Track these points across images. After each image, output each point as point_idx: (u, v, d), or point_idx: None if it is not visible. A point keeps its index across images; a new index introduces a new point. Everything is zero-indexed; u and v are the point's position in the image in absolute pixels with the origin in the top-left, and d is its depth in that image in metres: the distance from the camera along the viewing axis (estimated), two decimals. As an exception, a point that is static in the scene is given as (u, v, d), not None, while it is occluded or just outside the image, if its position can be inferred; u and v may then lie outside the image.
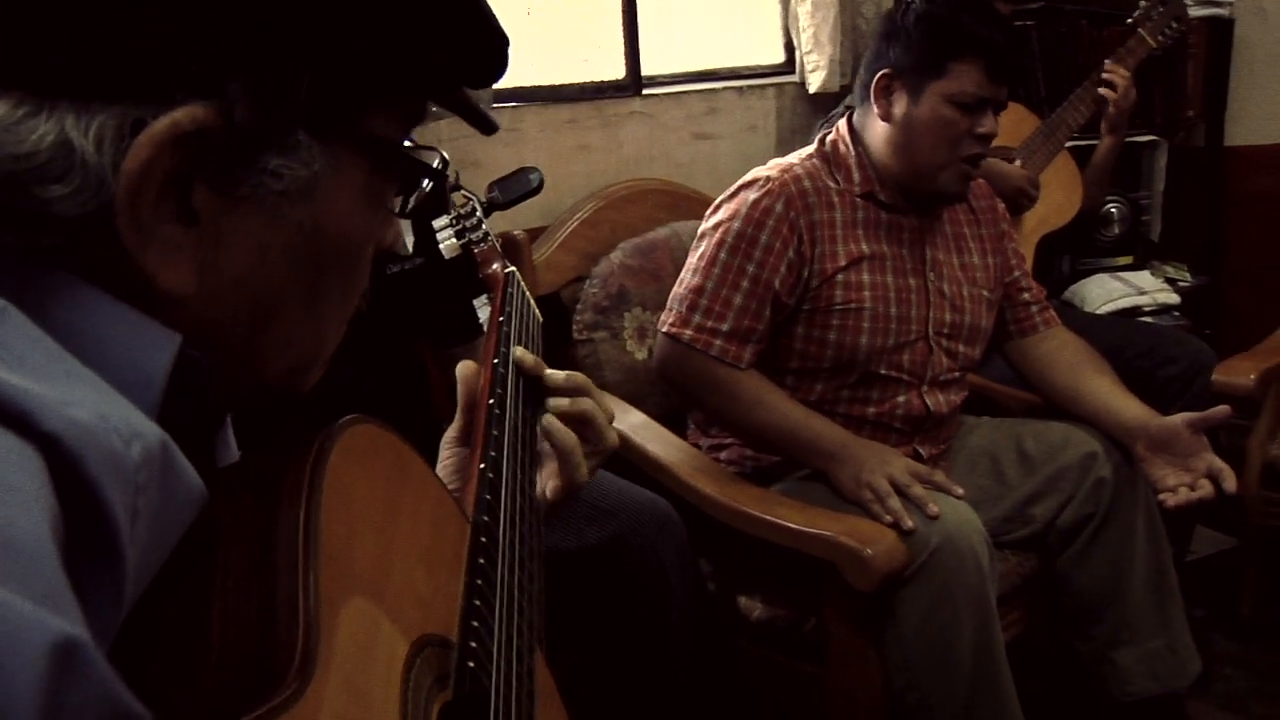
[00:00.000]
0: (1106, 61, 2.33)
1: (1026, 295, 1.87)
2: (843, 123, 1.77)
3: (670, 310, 1.68)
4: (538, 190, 1.26)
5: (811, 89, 2.44)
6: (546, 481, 0.86)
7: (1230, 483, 1.60)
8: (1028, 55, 1.64)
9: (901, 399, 1.71)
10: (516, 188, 1.24)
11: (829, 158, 1.73)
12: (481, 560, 0.62)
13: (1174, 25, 2.36)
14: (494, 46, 0.58)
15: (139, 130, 0.46)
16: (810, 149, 1.76)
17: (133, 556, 0.41)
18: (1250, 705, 2.04)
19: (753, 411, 1.64)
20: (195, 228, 0.49)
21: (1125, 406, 1.72)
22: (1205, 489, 1.59)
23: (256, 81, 0.48)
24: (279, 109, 0.49)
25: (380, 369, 1.50)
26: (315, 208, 0.52)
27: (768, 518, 1.56)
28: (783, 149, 2.44)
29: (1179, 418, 1.65)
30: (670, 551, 1.53)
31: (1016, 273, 1.87)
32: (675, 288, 1.70)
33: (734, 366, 1.63)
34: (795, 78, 2.49)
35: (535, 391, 0.89)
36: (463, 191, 1.18)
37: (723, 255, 1.64)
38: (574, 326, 1.94)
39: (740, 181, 1.71)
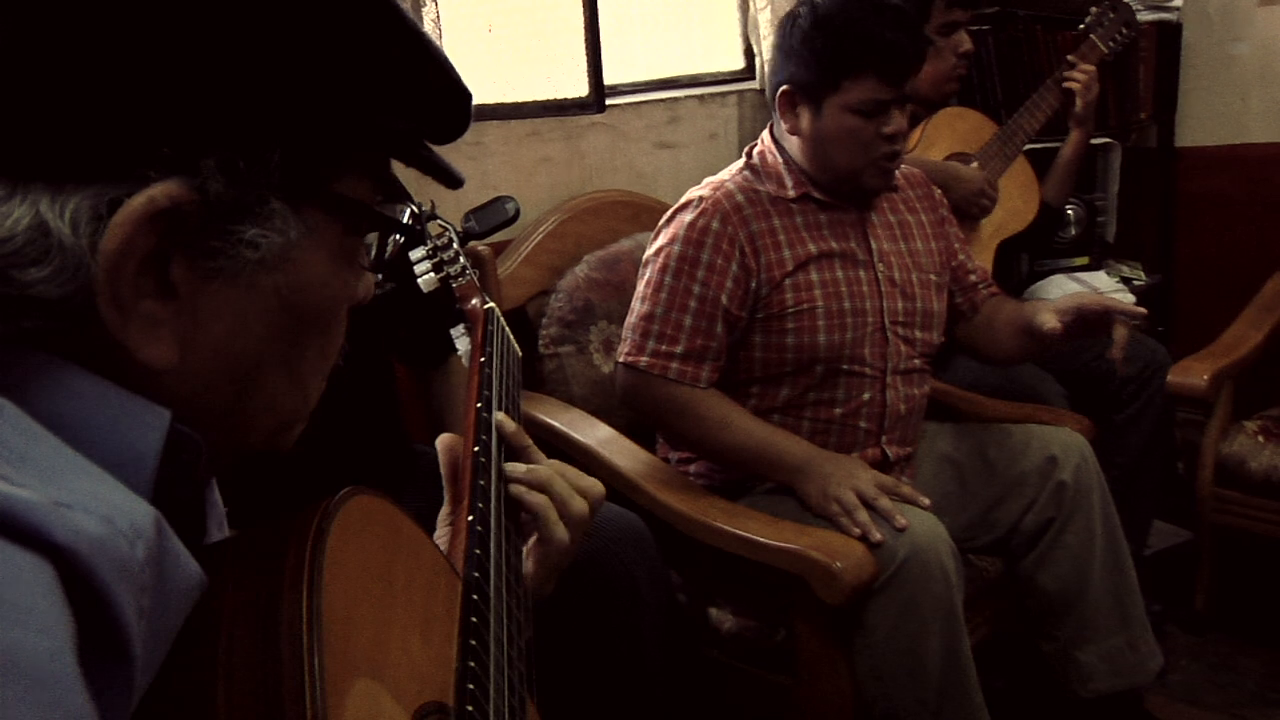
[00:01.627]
0: (1069, 57, 2.37)
1: (973, 276, 1.91)
2: (766, 134, 1.79)
3: (625, 340, 1.70)
4: (514, 219, 1.27)
5: (772, 95, 2.45)
6: (529, 551, 0.85)
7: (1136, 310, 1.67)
8: (922, 47, 1.66)
9: (866, 395, 1.73)
10: (493, 217, 1.24)
11: (758, 169, 1.76)
12: (474, 619, 0.62)
13: (1124, 31, 2.40)
14: (457, 105, 0.59)
15: (115, 210, 0.46)
16: (739, 164, 1.79)
17: (140, 654, 0.41)
18: (1204, 696, 2.09)
19: (718, 432, 1.65)
20: (174, 301, 0.49)
21: (1025, 313, 1.78)
22: (1119, 330, 1.66)
23: (230, 156, 0.48)
24: (253, 181, 0.49)
25: (351, 387, 1.49)
26: (291, 273, 0.53)
27: (737, 532, 1.57)
28: (744, 156, 2.45)
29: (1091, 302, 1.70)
30: (642, 567, 1.53)
31: (961, 255, 1.90)
32: (628, 318, 1.72)
33: (693, 387, 1.65)
34: (756, 84, 2.50)
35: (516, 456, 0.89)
36: (439, 221, 1.17)
37: (668, 279, 1.66)
38: (540, 341, 1.94)
39: (676, 205, 1.74)
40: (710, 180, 1.76)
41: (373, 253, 0.63)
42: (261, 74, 0.49)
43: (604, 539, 1.52)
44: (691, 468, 1.79)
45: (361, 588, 0.51)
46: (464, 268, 1.10)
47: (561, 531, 0.84)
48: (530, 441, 0.89)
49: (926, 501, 1.58)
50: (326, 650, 0.46)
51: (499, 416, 0.87)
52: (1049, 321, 1.67)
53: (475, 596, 0.64)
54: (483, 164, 2.02)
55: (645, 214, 2.16)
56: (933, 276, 1.81)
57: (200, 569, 0.47)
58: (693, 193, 1.73)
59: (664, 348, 1.65)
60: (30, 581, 0.36)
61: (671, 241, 1.68)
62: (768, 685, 1.65)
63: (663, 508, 1.65)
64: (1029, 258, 2.60)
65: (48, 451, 0.43)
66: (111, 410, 0.48)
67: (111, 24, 0.45)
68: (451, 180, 0.66)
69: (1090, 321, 1.69)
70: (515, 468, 0.85)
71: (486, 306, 1.04)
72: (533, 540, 0.85)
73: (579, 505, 0.86)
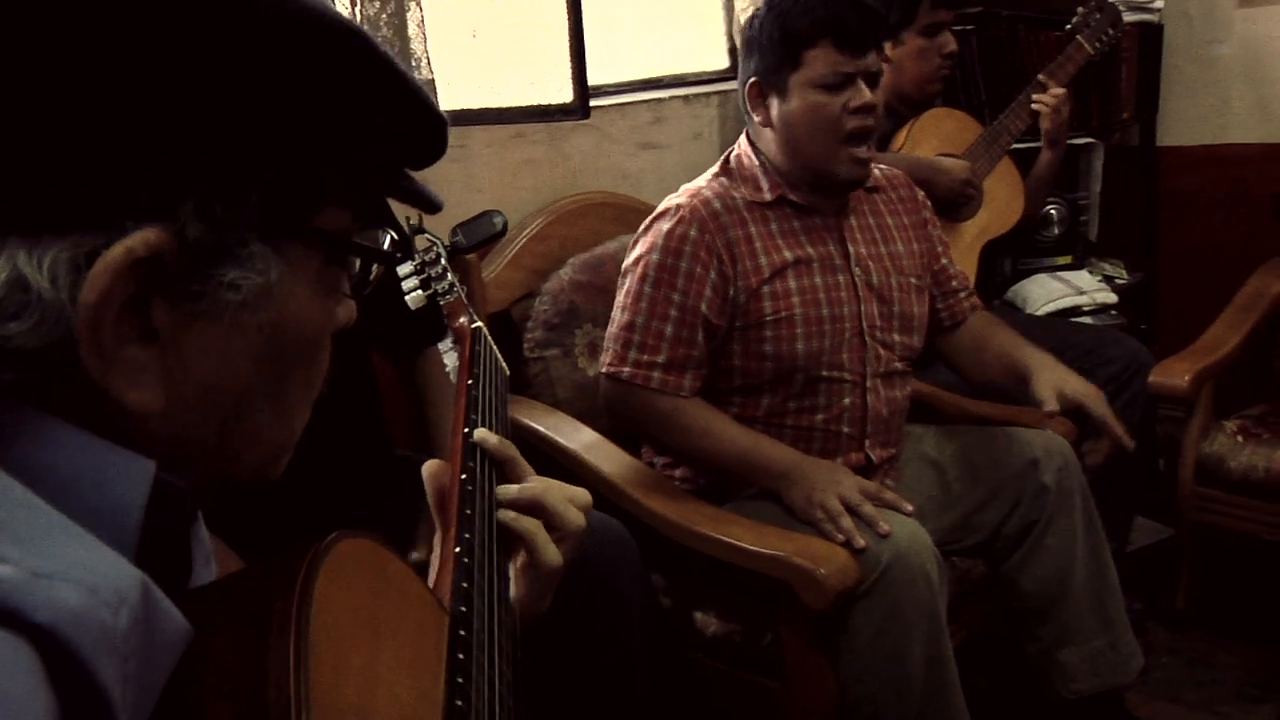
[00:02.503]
0: (1039, 76, 2.37)
1: (955, 283, 1.91)
2: (742, 138, 1.81)
3: (606, 351, 1.70)
4: (502, 234, 1.26)
5: (757, 95, 2.45)
6: (519, 574, 0.82)
7: (1126, 442, 1.69)
8: (880, 17, 1.71)
9: (847, 401, 1.73)
10: (480, 231, 1.24)
11: (734, 173, 1.77)
12: (461, 655, 0.63)
13: (1110, 32, 2.41)
14: (433, 132, 0.59)
15: (93, 260, 0.46)
16: (715, 169, 1.80)
17: (125, 718, 0.41)
18: (1184, 693, 2.11)
19: (702, 441, 1.66)
20: (157, 345, 0.49)
21: (1018, 359, 1.80)
22: (1103, 441, 1.70)
23: (207, 201, 0.48)
24: (231, 223, 0.49)
25: (333, 391, 1.49)
26: (273, 309, 0.53)
27: (722, 538, 1.57)
28: (729, 156, 2.45)
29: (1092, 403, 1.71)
30: (626, 574, 1.53)
31: (944, 260, 1.91)
32: (609, 328, 1.72)
33: (675, 396, 1.65)
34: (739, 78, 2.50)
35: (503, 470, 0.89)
36: (426, 235, 1.17)
37: (647, 289, 1.67)
38: (525, 344, 1.94)
39: (654, 213, 1.74)
40: (687, 187, 1.77)
41: (355, 278, 0.63)
42: (235, 117, 0.48)
43: (589, 547, 1.50)
44: (676, 472, 1.80)
45: (349, 635, 0.51)
46: (451, 284, 1.10)
47: (553, 552, 0.81)
48: (516, 452, 0.87)
49: (910, 507, 1.59)
50: (314, 704, 0.46)
51: (480, 433, 0.85)
52: (1049, 402, 1.68)
53: (462, 632, 0.64)
54: (467, 166, 2.01)
55: (630, 215, 2.15)
56: (913, 279, 1.82)
57: (186, 622, 0.47)
58: (670, 201, 1.74)
59: (645, 357, 1.65)
60: (9, 664, 0.36)
61: (650, 250, 1.68)
62: (753, 689, 1.65)
63: (647, 513, 1.65)
64: (1012, 258, 2.61)
65: (28, 513, 0.43)
66: (95, 463, 0.48)
67: (82, 75, 0.45)
68: (430, 206, 0.66)
69: (1086, 418, 1.71)
70: (507, 490, 0.83)
71: (474, 326, 1.03)
72: (521, 562, 0.83)
73: (575, 517, 0.85)
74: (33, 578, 0.39)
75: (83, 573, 0.41)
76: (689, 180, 1.79)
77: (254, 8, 0.48)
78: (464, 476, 0.81)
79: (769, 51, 1.70)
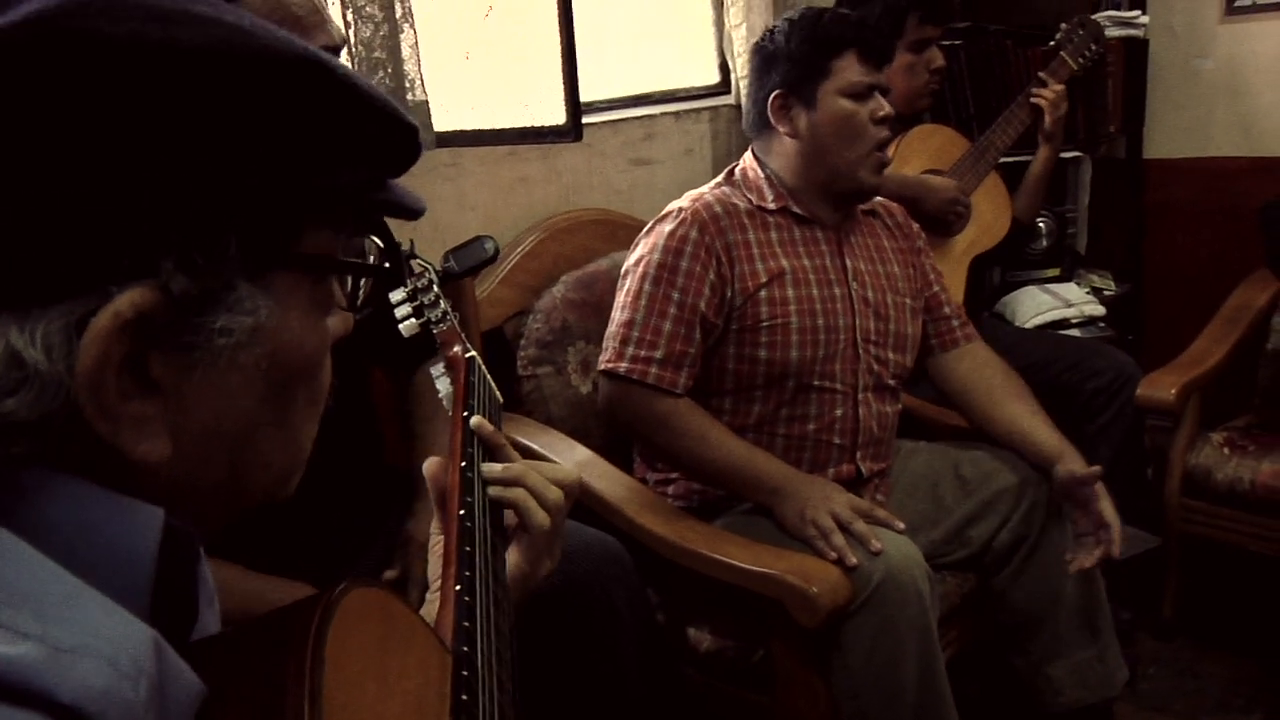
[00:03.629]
0: (1040, 74, 2.40)
1: (947, 309, 1.93)
2: (748, 154, 1.85)
3: (605, 349, 1.73)
4: (494, 259, 1.27)
5: (748, 111, 2.46)
6: (515, 543, 0.90)
7: (1114, 548, 1.69)
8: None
9: (838, 412, 1.75)
10: (472, 256, 1.24)
11: (738, 183, 1.81)
12: (464, 696, 0.64)
13: (1093, 48, 2.43)
14: (404, 141, 0.59)
15: (83, 327, 0.46)
16: (719, 179, 1.85)
17: None
18: (1170, 703, 2.13)
19: (697, 447, 1.67)
20: (159, 396, 0.50)
21: (1041, 440, 1.78)
22: (1096, 551, 1.69)
23: (187, 253, 0.48)
24: (214, 271, 0.50)
25: (331, 405, 1.49)
26: (268, 343, 0.53)
27: (714, 556, 1.58)
28: (719, 171, 2.46)
29: (1065, 473, 1.72)
30: (621, 592, 1.53)
31: (936, 287, 1.93)
32: (608, 327, 1.74)
33: (670, 393, 1.67)
34: (731, 99, 2.52)
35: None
36: (419, 260, 1.17)
37: (647, 287, 1.70)
38: (518, 362, 1.95)
39: (657, 217, 1.78)
40: (690, 193, 1.81)
41: (348, 288, 0.64)
42: (205, 167, 0.48)
43: (584, 564, 1.52)
44: (669, 489, 1.81)
45: (359, 688, 0.52)
46: (444, 313, 1.10)
47: (542, 516, 0.88)
48: (505, 440, 0.93)
49: (901, 525, 1.61)
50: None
51: (475, 419, 0.91)
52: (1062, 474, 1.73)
53: (465, 672, 0.66)
54: (459, 184, 2.02)
55: (622, 232, 2.17)
56: (908, 300, 1.84)
57: (199, 681, 0.48)
58: (672, 204, 1.78)
59: (643, 353, 1.67)
60: None
61: (651, 250, 1.72)
62: (746, 705, 1.67)
63: (641, 531, 1.66)
64: (1000, 270, 2.63)
65: (43, 579, 0.44)
66: (106, 515, 0.49)
67: (50, 151, 0.45)
68: (410, 213, 0.66)
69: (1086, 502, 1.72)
70: (491, 468, 0.89)
71: (468, 355, 1.04)
72: (514, 526, 0.90)
73: (554, 494, 0.91)
74: (55, 654, 0.40)
75: (102, 644, 0.42)
76: (680, 196, 1.82)
77: (212, 58, 0.48)
78: (462, 512, 0.82)
79: (796, 61, 1.75)
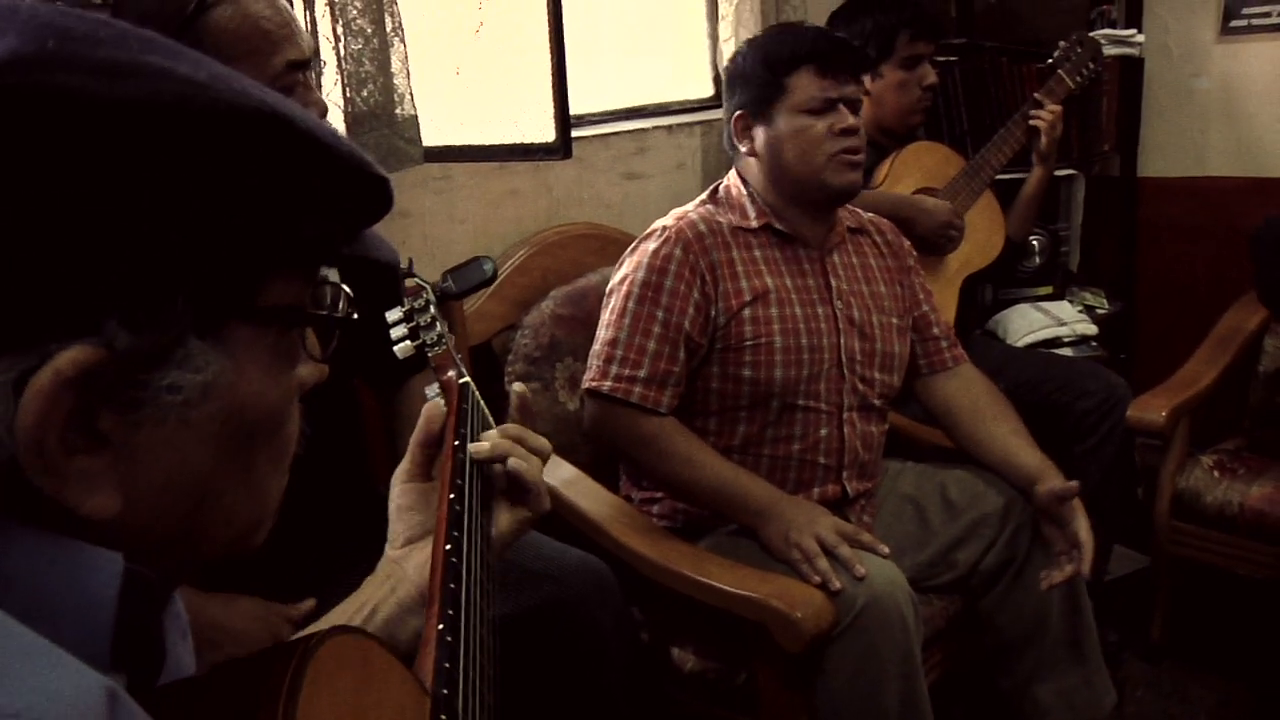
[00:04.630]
0: (1035, 95, 2.39)
1: (936, 330, 1.92)
2: (731, 172, 1.85)
3: (590, 368, 1.73)
4: (491, 280, 1.25)
5: (742, 125, 2.45)
6: (506, 514, 0.92)
7: (1084, 566, 1.68)
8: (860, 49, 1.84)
9: (824, 432, 1.75)
10: (471, 277, 1.22)
11: (721, 201, 1.82)
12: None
13: (1091, 66, 2.42)
14: (373, 192, 0.58)
15: (23, 386, 0.45)
16: (703, 197, 1.85)
17: None
18: (1160, 725, 2.13)
19: (682, 468, 1.67)
20: (108, 450, 0.49)
21: (1022, 461, 1.77)
22: (1067, 568, 1.68)
23: (131, 310, 0.47)
24: (161, 327, 0.48)
25: (316, 425, 1.48)
26: (225, 398, 0.52)
27: (698, 578, 1.57)
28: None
29: (1044, 490, 1.71)
30: (606, 613, 1.53)
31: (925, 307, 1.92)
32: (593, 345, 1.74)
33: (654, 413, 1.67)
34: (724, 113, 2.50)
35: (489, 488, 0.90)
36: (416, 279, 1.16)
37: (631, 305, 1.70)
38: (505, 378, 1.94)
39: (640, 235, 1.79)
40: (675, 211, 1.81)
41: (322, 335, 0.63)
42: (149, 223, 0.47)
43: (570, 586, 1.51)
44: (654, 509, 1.80)
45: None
46: (440, 335, 1.08)
47: (535, 476, 0.92)
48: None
49: (885, 550, 1.60)
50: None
51: (474, 446, 0.92)
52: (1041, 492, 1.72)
53: (444, 716, 0.64)
54: (449, 197, 2.01)
55: (611, 246, 2.16)
56: (894, 320, 1.84)
57: None
58: (657, 223, 1.78)
59: (627, 372, 1.67)
60: None
61: (635, 269, 1.72)
62: (729, 726, 1.66)
63: (625, 551, 1.65)
64: (992, 287, 2.62)
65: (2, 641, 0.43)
66: (63, 562, 0.48)
67: None
68: (381, 265, 0.65)
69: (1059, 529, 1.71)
70: (480, 448, 0.91)
71: (461, 381, 1.01)
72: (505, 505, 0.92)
73: (535, 465, 0.93)
74: None
75: (48, 705, 0.41)
76: (670, 210, 1.82)
77: (160, 112, 0.47)
78: (448, 547, 0.80)
79: (753, 82, 1.77)
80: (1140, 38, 2.71)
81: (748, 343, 1.71)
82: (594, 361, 1.72)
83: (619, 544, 1.66)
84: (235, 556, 0.58)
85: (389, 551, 0.90)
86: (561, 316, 1.98)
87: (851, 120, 1.75)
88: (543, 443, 0.95)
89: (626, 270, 1.74)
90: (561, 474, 1.78)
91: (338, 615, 0.86)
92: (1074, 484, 1.70)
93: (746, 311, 1.71)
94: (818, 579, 1.53)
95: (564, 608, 1.51)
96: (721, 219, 1.77)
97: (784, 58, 1.75)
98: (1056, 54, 2.44)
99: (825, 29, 1.85)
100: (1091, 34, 2.59)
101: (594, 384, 1.70)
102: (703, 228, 1.74)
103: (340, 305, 0.64)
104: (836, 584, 1.51)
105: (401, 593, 0.86)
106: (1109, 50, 2.62)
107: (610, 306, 1.74)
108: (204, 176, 0.48)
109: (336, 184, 0.55)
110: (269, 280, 0.54)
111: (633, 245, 1.78)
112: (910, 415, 2.09)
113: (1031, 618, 1.76)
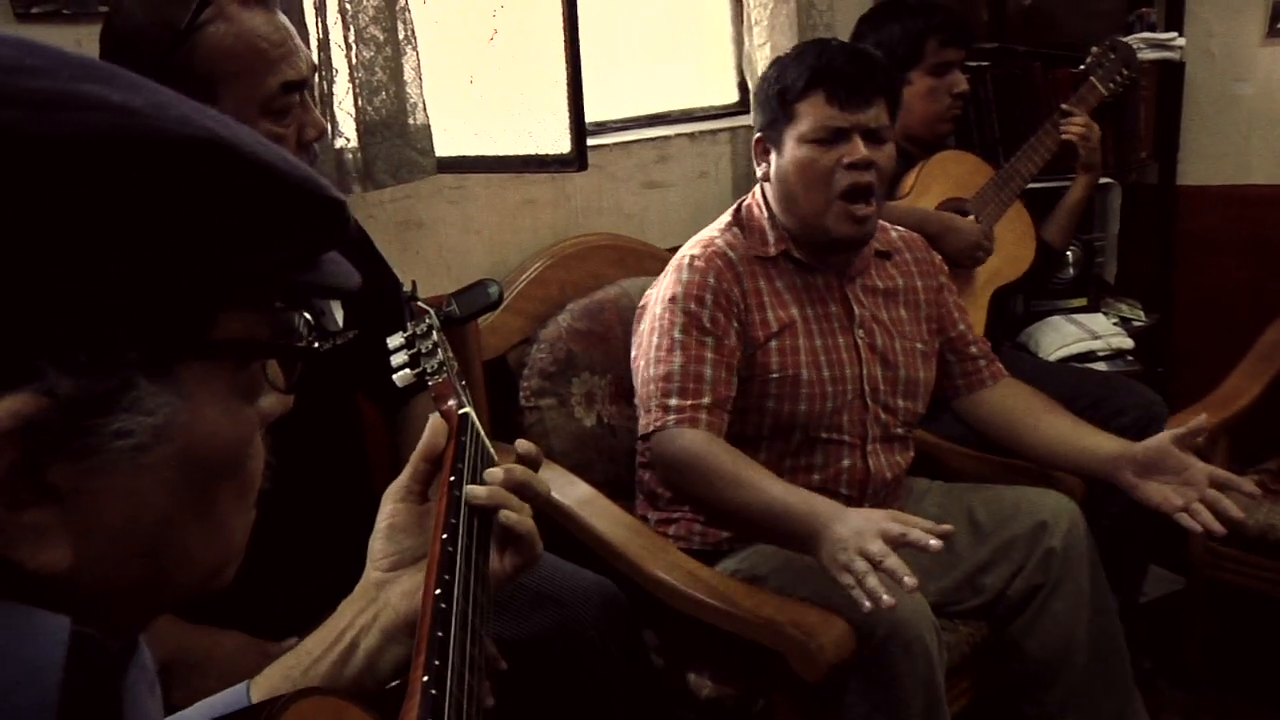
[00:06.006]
0: (1064, 105, 2.33)
1: (974, 349, 1.86)
2: (756, 188, 1.79)
3: (647, 411, 1.63)
4: (497, 304, 1.24)
5: (769, 134, 2.40)
6: (501, 557, 0.88)
7: (1248, 485, 1.59)
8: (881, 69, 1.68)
9: (845, 463, 1.70)
10: (475, 301, 1.20)
11: (744, 224, 1.75)
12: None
13: (1125, 73, 2.35)
14: (328, 216, 0.55)
15: None
16: (726, 219, 1.78)
17: None
18: (1196, 755, 2.06)
19: (732, 492, 1.54)
20: (58, 503, 0.46)
21: (1097, 443, 1.72)
22: (1221, 500, 1.56)
23: (70, 354, 0.45)
24: (104, 370, 0.46)
25: (320, 441, 1.46)
26: (179, 439, 0.50)
27: (715, 603, 1.53)
28: (736, 194, 2.40)
29: (1164, 435, 1.63)
30: (616, 637, 1.50)
31: (961, 326, 1.86)
32: (641, 388, 1.67)
33: (711, 433, 1.59)
34: (749, 119, 2.45)
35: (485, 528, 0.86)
36: (418, 303, 1.13)
37: (678, 336, 1.64)
38: (520, 393, 1.90)
39: (671, 268, 1.72)
40: (700, 238, 1.75)
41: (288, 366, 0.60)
42: (85, 260, 0.45)
43: (579, 609, 1.49)
44: (670, 529, 1.76)
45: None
46: (441, 363, 1.05)
47: (528, 525, 0.88)
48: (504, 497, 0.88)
49: (913, 582, 1.40)
50: None
51: (470, 490, 0.86)
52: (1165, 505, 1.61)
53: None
54: (464, 207, 1.98)
55: (631, 258, 2.12)
56: (919, 345, 1.78)
57: None
58: (684, 253, 1.72)
59: (689, 402, 1.60)
60: None
61: (672, 301, 1.66)
62: (745, 756, 1.61)
63: (641, 574, 1.61)
64: (1024, 299, 2.55)
65: None
66: (5, 629, 0.46)
67: None
68: (340, 293, 0.62)
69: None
70: (476, 494, 0.86)
71: (461, 411, 0.97)
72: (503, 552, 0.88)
73: (528, 515, 0.89)
74: None
75: None
76: (694, 221, 1.79)
77: (92, 144, 0.44)
78: (439, 591, 0.76)
79: (767, 105, 1.71)
80: (1180, 41, 2.63)
81: (773, 375, 1.66)
82: (651, 401, 1.63)
83: (634, 566, 1.62)
84: (203, 597, 0.57)
85: (371, 572, 0.87)
86: (578, 331, 1.94)
87: (862, 153, 1.62)
88: (541, 485, 0.91)
89: (663, 305, 1.68)
90: (576, 493, 1.74)
91: (316, 641, 0.82)
92: (1202, 417, 1.63)
93: (773, 344, 1.67)
94: (868, 604, 1.37)
95: (572, 633, 1.48)
96: (746, 247, 1.71)
97: (794, 81, 1.66)
98: (1089, 60, 2.37)
99: (851, 48, 1.72)
100: (1129, 37, 2.52)
101: (657, 424, 1.60)
102: (732, 255, 1.69)
103: (304, 334, 0.61)
104: (886, 601, 1.35)
105: (385, 620, 0.83)
106: (1147, 54, 2.55)
107: (654, 344, 1.66)
108: (142, 209, 0.46)
109: (289, 210, 0.53)
110: (222, 313, 0.52)
111: (661, 279, 1.73)
112: (940, 433, 2.03)
113: (1060, 645, 1.71)
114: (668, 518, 1.77)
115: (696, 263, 1.68)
